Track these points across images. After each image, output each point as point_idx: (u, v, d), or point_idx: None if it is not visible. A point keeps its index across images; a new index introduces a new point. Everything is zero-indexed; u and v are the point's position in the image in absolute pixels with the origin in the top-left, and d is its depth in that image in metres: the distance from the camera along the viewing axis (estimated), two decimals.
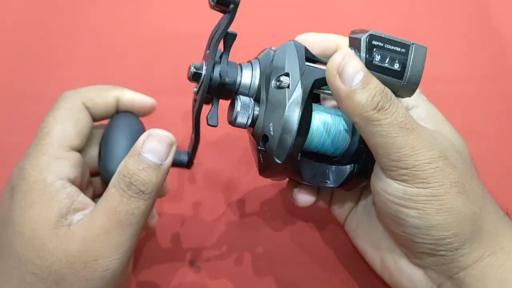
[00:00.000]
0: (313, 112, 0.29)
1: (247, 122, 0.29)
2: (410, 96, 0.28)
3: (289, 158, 0.28)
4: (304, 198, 0.33)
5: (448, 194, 0.26)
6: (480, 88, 0.48)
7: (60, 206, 0.26)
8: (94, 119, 0.32)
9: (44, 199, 0.26)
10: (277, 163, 0.28)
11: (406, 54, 0.27)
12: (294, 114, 0.27)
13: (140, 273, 0.39)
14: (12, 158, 0.30)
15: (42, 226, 0.26)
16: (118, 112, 0.33)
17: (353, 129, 0.30)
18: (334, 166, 0.31)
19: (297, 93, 0.27)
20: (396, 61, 0.27)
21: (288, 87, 0.28)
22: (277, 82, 0.28)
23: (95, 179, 0.34)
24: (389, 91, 0.26)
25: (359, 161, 0.30)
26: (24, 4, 0.53)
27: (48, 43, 0.51)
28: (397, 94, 0.28)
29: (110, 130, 0.32)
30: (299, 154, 0.28)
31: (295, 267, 0.40)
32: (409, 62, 0.27)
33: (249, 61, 0.32)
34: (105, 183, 0.29)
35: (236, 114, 0.29)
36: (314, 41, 0.32)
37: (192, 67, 0.29)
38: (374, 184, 0.29)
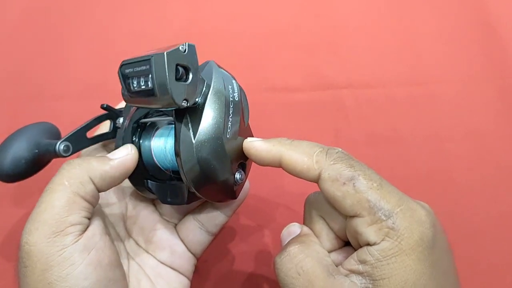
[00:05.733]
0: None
1: None
2: (179, 107, 0.26)
3: None
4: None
5: None
6: (479, 87, 0.48)
7: None
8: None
9: None
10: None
11: (150, 70, 0.26)
12: None
13: None
14: None
15: None
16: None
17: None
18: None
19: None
20: (146, 80, 0.26)
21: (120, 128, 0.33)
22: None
23: None
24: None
25: None
26: (27, 4, 0.53)
27: (51, 42, 0.51)
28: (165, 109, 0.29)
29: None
30: None
31: None
32: (153, 75, 0.25)
33: None
34: None
35: None
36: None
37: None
38: None
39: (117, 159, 0.28)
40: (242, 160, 0.30)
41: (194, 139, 0.27)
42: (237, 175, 0.29)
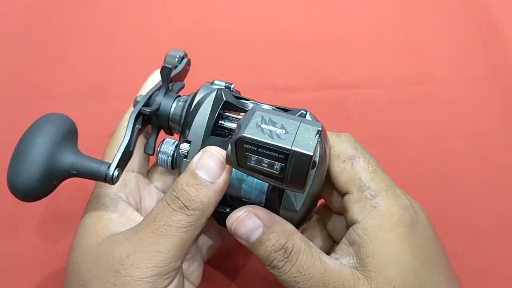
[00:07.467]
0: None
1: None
2: (302, 192, 0.25)
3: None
4: None
5: None
6: (480, 88, 0.48)
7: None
8: None
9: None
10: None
11: (284, 160, 0.23)
12: None
13: None
14: None
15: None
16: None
17: None
18: None
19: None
20: (272, 164, 0.23)
21: (186, 157, 0.29)
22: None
23: None
24: (291, 245, 0.26)
25: None
26: (28, 4, 0.53)
27: (51, 42, 0.51)
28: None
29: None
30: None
31: None
32: (289, 172, 0.23)
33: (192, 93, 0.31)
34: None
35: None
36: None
37: (136, 98, 0.32)
38: None
39: (220, 181, 0.26)
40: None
41: (298, 209, 0.27)
42: None
